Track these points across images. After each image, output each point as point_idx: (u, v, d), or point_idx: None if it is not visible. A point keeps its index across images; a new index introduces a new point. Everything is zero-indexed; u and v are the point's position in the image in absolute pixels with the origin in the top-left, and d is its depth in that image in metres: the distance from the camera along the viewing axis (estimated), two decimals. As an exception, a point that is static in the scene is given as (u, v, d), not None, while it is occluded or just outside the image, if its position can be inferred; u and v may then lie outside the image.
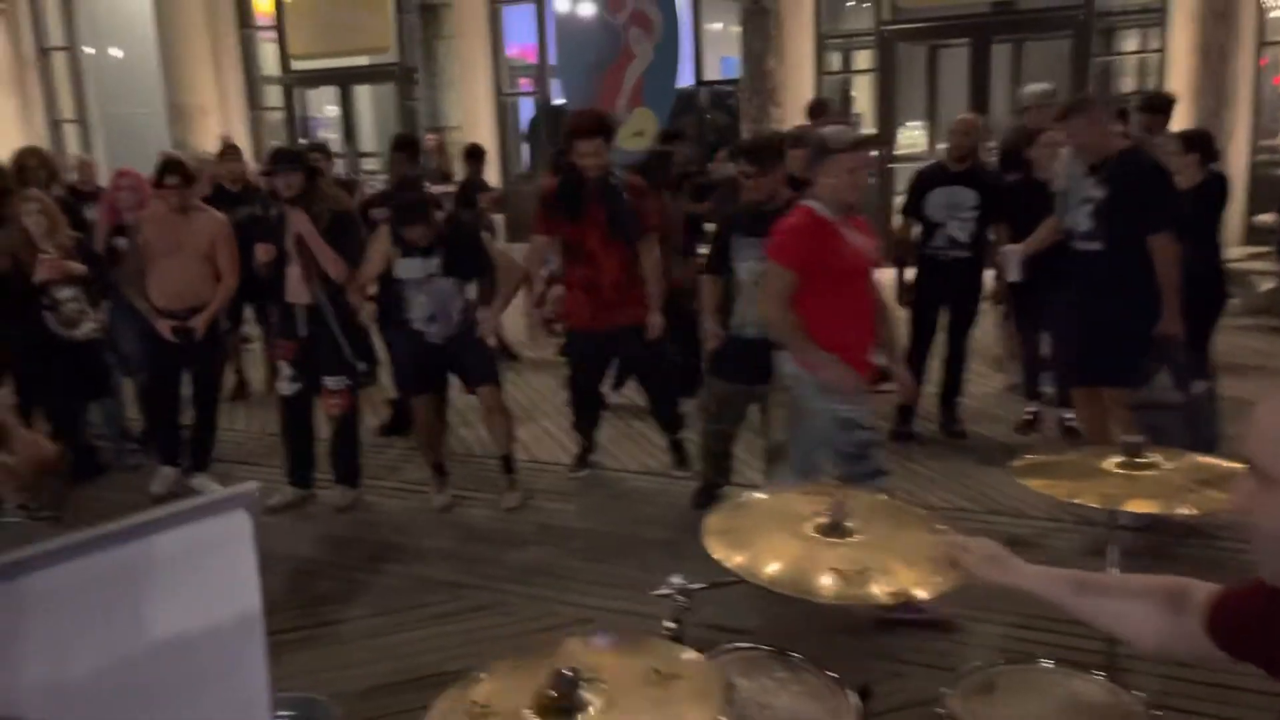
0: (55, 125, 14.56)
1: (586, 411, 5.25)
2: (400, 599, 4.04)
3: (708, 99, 11.65)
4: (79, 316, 5.26)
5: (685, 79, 11.27)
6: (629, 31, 10.86)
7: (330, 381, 4.92)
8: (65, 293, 5.16)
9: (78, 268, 5.14)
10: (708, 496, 4.67)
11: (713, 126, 11.53)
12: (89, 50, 14.61)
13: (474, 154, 8.51)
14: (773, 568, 1.96)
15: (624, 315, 4.80)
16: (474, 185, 8.13)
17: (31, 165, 6.12)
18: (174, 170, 5.13)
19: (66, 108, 14.60)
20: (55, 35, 14.42)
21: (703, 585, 2.01)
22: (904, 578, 1.90)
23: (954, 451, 5.36)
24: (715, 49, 12.25)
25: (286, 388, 5.01)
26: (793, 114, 10.03)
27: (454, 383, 5.04)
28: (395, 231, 4.64)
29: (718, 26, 12.67)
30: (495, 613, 3.89)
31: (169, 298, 5.10)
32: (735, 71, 10.82)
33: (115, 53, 14.82)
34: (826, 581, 1.89)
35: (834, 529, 2.00)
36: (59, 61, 14.48)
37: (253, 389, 7.03)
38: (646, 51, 10.80)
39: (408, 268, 4.63)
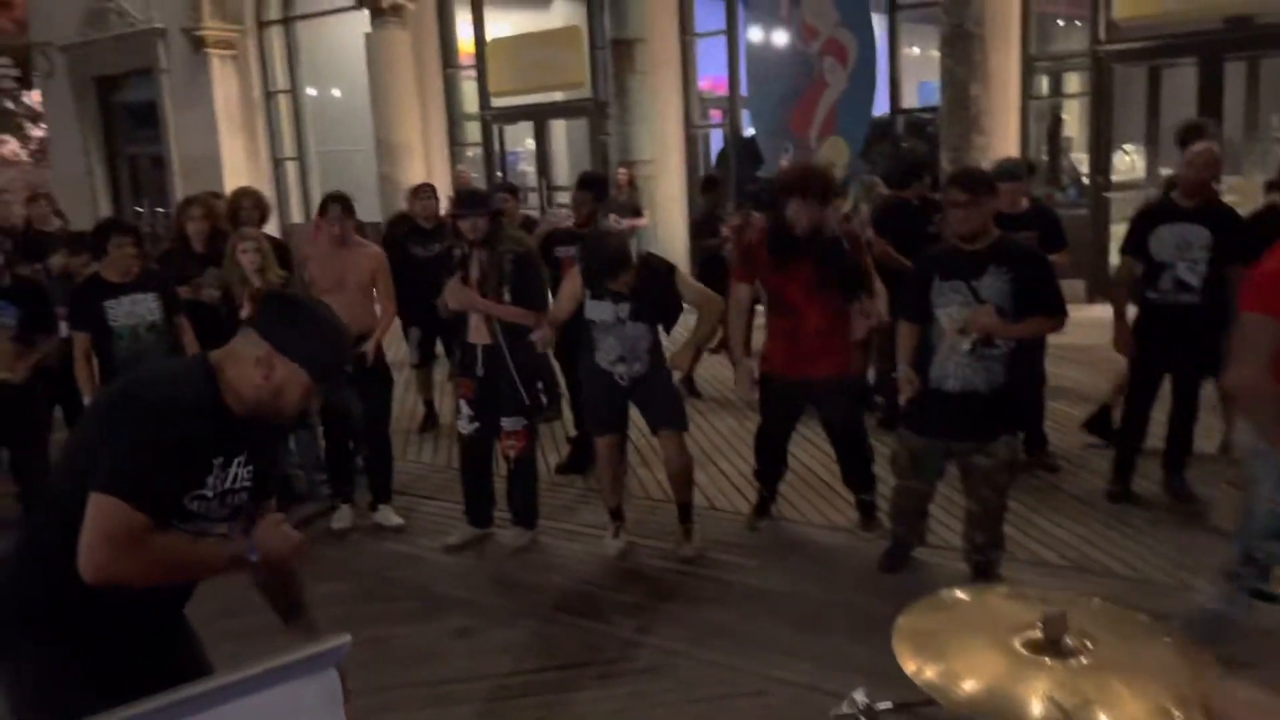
0: (277, 163, 15.61)
1: (772, 461, 5.01)
2: (569, 652, 3.91)
3: (905, 127, 11.21)
4: None
5: (881, 107, 10.87)
6: (823, 60, 10.59)
7: (508, 423, 4.89)
8: None
9: None
10: (898, 559, 4.34)
11: (910, 155, 11.07)
12: (310, 92, 15.62)
13: (710, 184, 8.62)
14: (971, 686, 1.68)
15: (824, 366, 4.53)
16: (713, 216, 8.15)
17: (245, 206, 6.44)
18: (336, 201, 5.32)
19: (287, 146, 15.64)
20: (280, 79, 15.48)
21: (888, 706, 1.75)
22: (1137, 716, 1.59)
23: (1178, 519, 4.78)
24: (913, 75, 11.79)
25: (465, 426, 5.02)
26: (998, 142, 9.48)
27: (635, 422, 4.92)
28: (587, 273, 4.57)
29: (915, 51, 12.20)
30: (665, 676, 3.69)
31: None
32: (935, 98, 10.35)
33: (333, 94, 15.79)
34: (1037, 713, 1.60)
35: (1052, 646, 1.71)
36: (282, 103, 15.53)
37: (441, 421, 7.16)
38: (840, 79, 10.49)
39: (598, 310, 4.56)
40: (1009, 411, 3.98)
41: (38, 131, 21.94)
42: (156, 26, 15.26)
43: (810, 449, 5.78)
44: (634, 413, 4.80)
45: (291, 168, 15.65)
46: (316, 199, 15.40)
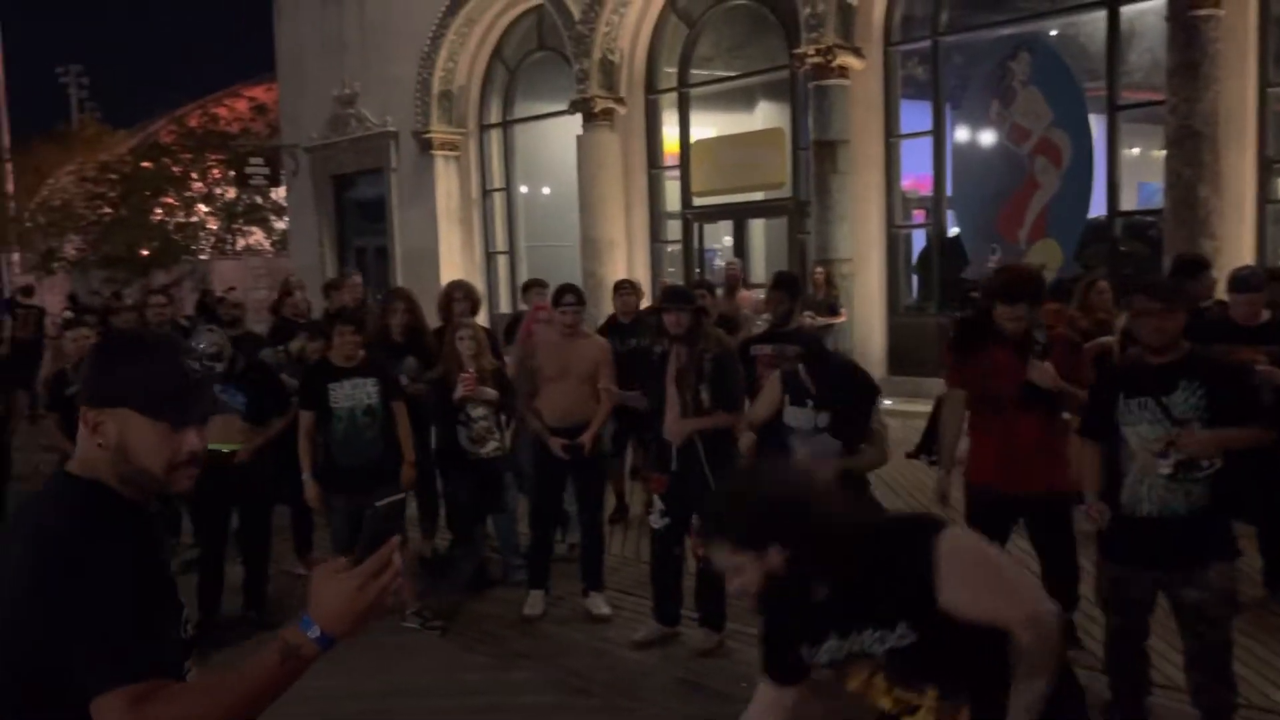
0: (489, 256, 16.47)
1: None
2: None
3: (1124, 229, 10.67)
4: (486, 435, 5.71)
5: (1097, 208, 10.41)
6: (1034, 161, 10.28)
7: (699, 521, 4.85)
8: (479, 411, 5.66)
9: (490, 392, 5.62)
10: (1127, 712, 3.85)
11: (1130, 259, 10.49)
12: (522, 190, 16.49)
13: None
14: None
15: (1039, 480, 4.21)
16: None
17: (457, 296, 6.80)
18: (571, 292, 5.53)
19: (499, 240, 16.49)
20: (496, 178, 16.43)
21: None
22: None
23: None
24: (1133, 175, 11.24)
25: (657, 521, 5.02)
26: (1229, 247, 8.85)
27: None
28: (786, 379, 4.54)
29: (1135, 152, 11.66)
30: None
31: (557, 417, 5.39)
32: (1156, 199, 9.81)
33: (543, 192, 16.60)
34: None
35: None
36: (497, 200, 16.45)
37: (632, 513, 7.19)
38: (1053, 180, 10.14)
39: (796, 417, 4.49)
40: (1219, 536, 3.54)
41: (280, 224, 24.08)
42: (390, 130, 16.57)
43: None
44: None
45: (502, 261, 16.46)
46: (523, 292, 16.08)
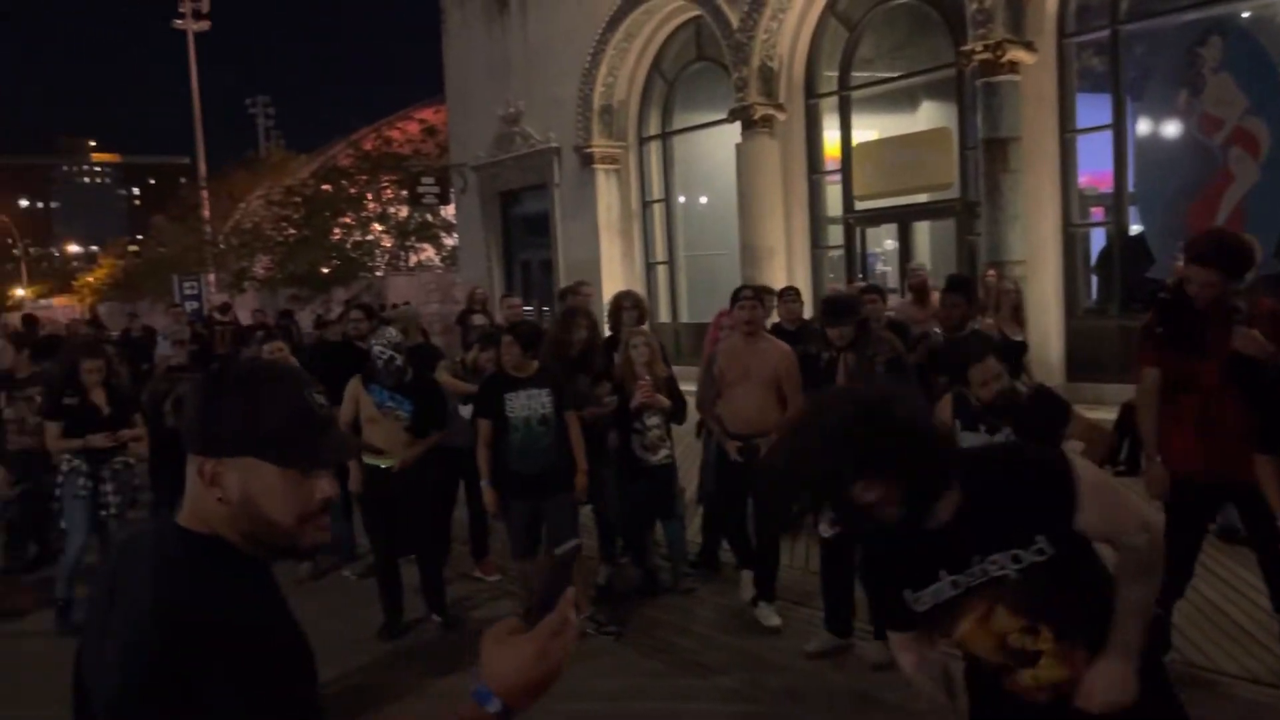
0: (649, 266, 16.65)
1: (1173, 579, 4.41)
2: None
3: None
4: (659, 443, 5.76)
5: (1301, 200, 9.65)
6: (1228, 152, 9.63)
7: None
8: (652, 419, 5.71)
9: (665, 400, 5.67)
10: None
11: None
12: (681, 199, 16.60)
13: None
14: None
15: (1245, 466, 3.77)
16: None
17: (626, 306, 6.90)
18: (748, 288, 5.52)
19: (659, 250, 16.65)
20: (656, 189, 16.61)
21: None
22: None
23: None
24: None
25: (826, 530, 4.94)
26: None
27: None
28: (957, 400, 4.37)
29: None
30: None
31: (738, 423, 5.37)
32: (1371, 189, 9.03)
33: (700, 201, 16.67)
34: None
35: None
36: (656, 211, 16.61)
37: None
38: (1250, 172, 9.46)
39: (968, 441, 4.31)
40: None
41: (449, 241, 25.04)
42: (553, 146, 16.99)
43: (1215, 582, 5.08)
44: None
45: (662, 271, 16.61)
46: (685, 300, 16.23)
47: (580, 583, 5.63)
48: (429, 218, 24.89)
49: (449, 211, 22.77)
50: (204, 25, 32.62)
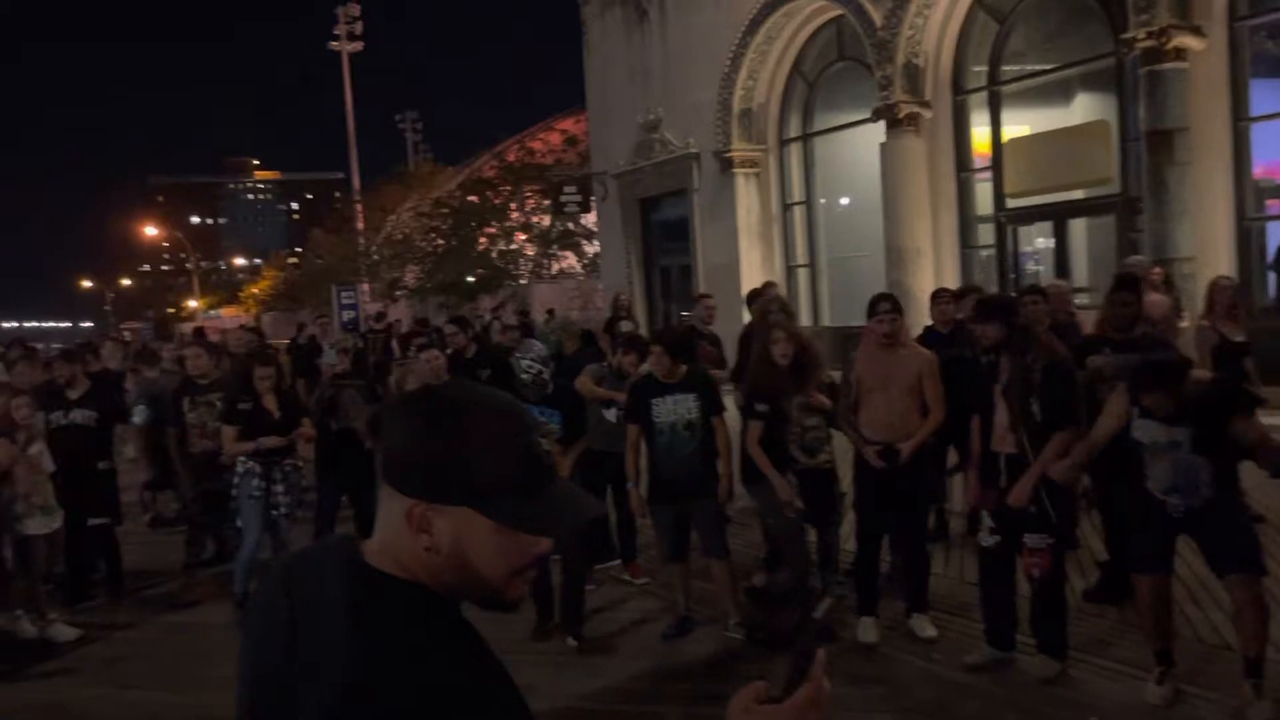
0: (790, 270, 16.49)
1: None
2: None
3: None
4: (819, 445, 5.64)
5: None
6: None
7: (1031, 539, 4.57)
8: (811, 420, 5.57)
9: (825, 401, 5.51)
10: None
11: None
12: (822, 201, 16.39)
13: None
14: None
15: None
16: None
17: (773, 309, 6.85)
18: (886, 299, 5.38)
19: (800, 254, 16.47)
20: (796, 191, 16.45)
21: None
22: None
23: None
24: None
25: (986, 539, 4.79)
26: None
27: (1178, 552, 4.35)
28: (1132, 389, 4.18)
29: None
30: None
31: (878, 430, 5.24)
32: None
33: (841, 202, 16.41)
34: None
35: None
36: (797, 214, 16.45)
37: (952, 531, 6.90)
38: None
39: (1146, 430, 4.12)
40: None
41: (590, 248, 25.41)
42: (692, 151, 17.05)
43: None
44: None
45: (803, 274, 16.43)
46: (826, 304, 16.03)
47: (728, 588, 5.61)
48: (571, 226, 25.32)
49: (590, 219, 23.12)
50: (357, 46, 34.09)
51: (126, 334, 30.07)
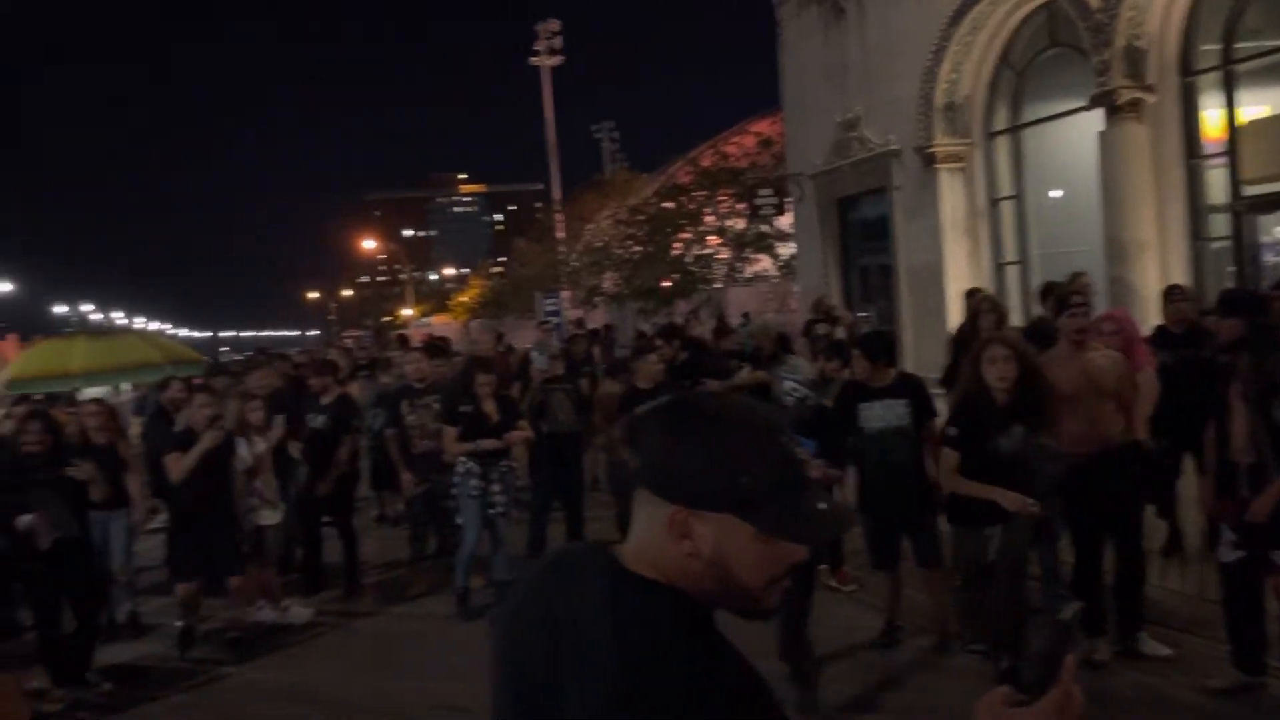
0: (998, 267, 15.81)
1: None
2: None
3: None
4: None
5: None
6: None
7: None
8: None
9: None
10: None
11: None
12: (1033, 195, 15.63)
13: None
14: None
15: None
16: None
17: (984, 309, 6.62)
18: (1077, 293, 5.10)
19: (1009, 250, 15.77)
20: (1004, 186, 15.76)
21: None
22: None
23: None
24: None
25: (1226, 554, 4.45)
26: None
27: None
28: None
29: None
30: None
31: (1072, 439, 4.95)
32: None
33: (1054, 194, 15.59)
34: None
35: None
36: (1005, 209, 15.76)
37: (1187, 544, 6.45)
38: None
39: None
40: None
41: (783, 250, 25.24)
42: (893, 149, 16.64)
43: None
44: None
45: (1012, 271, 15.72)
46: (1038, 301, 15.27)
47: (938, 594, 5.45)
48: (765, 228, 25.25)
49: (784, 221, 22.96)
50: (558, 60, 35.22)
51: (349, 342, 32.19)
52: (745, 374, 7.32)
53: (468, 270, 78.64)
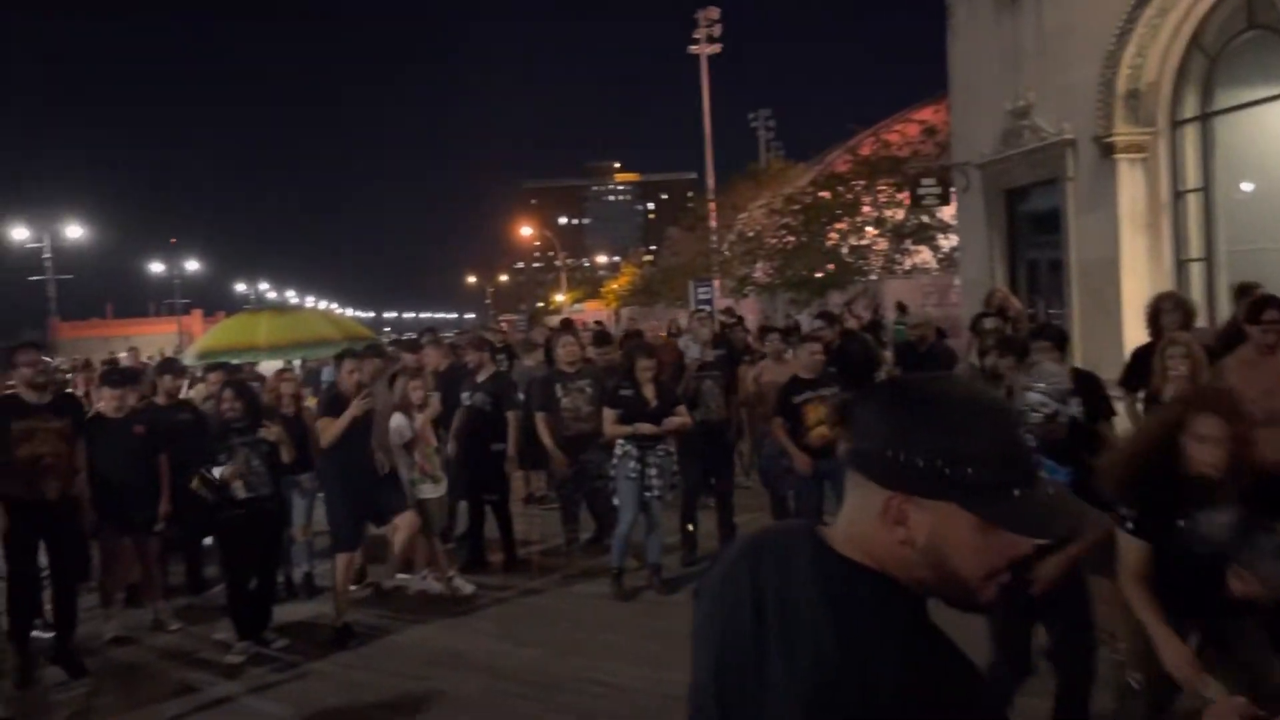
0: (1180, 265, 14.91)
1: None
2: None
3: None
4: None
5: None
6: None
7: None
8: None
9: None
10: None
11: None
12: (1223, 188, 14.65)
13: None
14: None
15: None
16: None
17: (1166, 308, 6.26)
18: (1272, 305, 4.71)
19: (1194, 246, 14.84)
20: (1191, 178, 14.83)
21: None
22: None
23: None
24: None
25: None
26: None
27: None
28: None
29: None
30: None
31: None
32: None
33: (1246, 187, 14.58)
34: None
35: None
36: (1191, 202, 14.83)
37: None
38: None
39: None
40: None
41: (943, 241, 24.50)
42: (1067, 138, 15.89)
43: None
44: None
45: (1196, 269, 14.78)
46: (1223, 302, 14.36)
47: (1116, 607, 5.19)
48: (926, 219, 24.57)
49: (947, 212, 22.28)
50: (716, 49, 35.13)
51: (504, 325, 33.13)
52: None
53: (619, 258, 79.53)
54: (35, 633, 6.59)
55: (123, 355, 19.01)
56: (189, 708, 5.84)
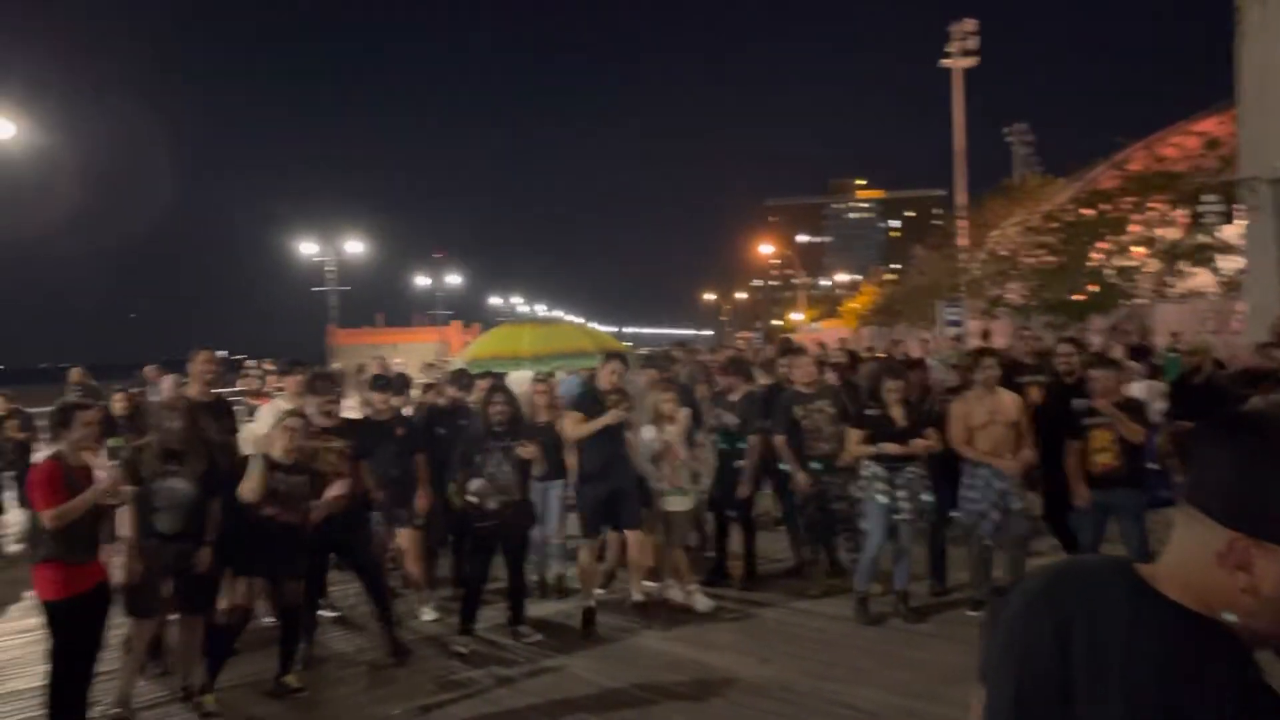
0: None
1: None
2: None
3: None
4: None
5: None
6: None
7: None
8: None
9: None
10: None
11: None
12: None
13: None
14: None
15: None
16: None
17: None
18: None
19: None
20: None
21: None
22: None
23: None
24: None
25: None
26: None
27: None
28: None
29: None
30: None
31: None
32: None
33: None
34: None
35: None
36: None
37: None
38: None
39: None
40: None
41: (1224, 263, 22.39)
42: (1381, 148, 14.20)
43: None
44: None
45: None
46: None
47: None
48: (1205, 239, 22.59)
49: (1230, 231, 20.40)
50: (972, 62, 33.87)
51: (740, 342, 33.28)
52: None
53: (859, 277, 78.05)
54: (320, 611, 7.25)
55: (371, 363, 20.30)
56: (445, 698, 6.21)
